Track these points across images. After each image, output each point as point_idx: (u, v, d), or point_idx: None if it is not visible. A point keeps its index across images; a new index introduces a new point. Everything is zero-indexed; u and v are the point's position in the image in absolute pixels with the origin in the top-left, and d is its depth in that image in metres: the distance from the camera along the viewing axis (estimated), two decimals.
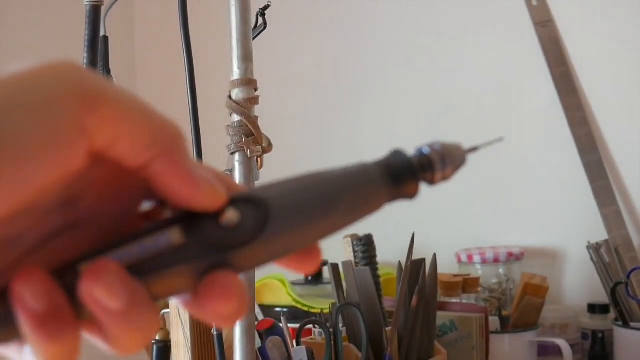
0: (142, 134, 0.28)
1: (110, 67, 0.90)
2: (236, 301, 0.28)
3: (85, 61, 0.77)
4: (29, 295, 0.26)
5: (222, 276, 0.28)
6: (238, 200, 0.30)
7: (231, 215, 0.29)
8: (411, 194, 0.32)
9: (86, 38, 0.77)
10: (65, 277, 0.27)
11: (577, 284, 1.44)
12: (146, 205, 0.32)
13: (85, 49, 0.77)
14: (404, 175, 0.32)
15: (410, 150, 0.33)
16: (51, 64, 0.27)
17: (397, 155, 0.33)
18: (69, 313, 0.27)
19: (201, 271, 0.28)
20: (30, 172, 0.25)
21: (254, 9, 0.84)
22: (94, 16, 0.78)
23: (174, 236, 0.28)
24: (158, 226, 0.29)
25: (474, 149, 0.35)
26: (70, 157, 0.26)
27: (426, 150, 0.33)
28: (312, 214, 0.30)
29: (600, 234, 1.37)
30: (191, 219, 0.29)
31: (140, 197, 0.31)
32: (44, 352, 0.26)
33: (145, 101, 0.28)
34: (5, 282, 0.27)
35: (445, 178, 0.33)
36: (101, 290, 0.26)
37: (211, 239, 0.29)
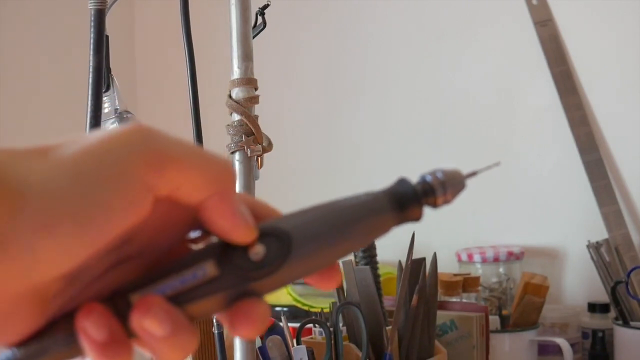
0: (200, 179, 0.33)
1: (111, 66, 0.90)
2: (259, 326, 0.34)
3: (90, 65, 0.77)
4: (91, 328, 0.31)
5: (248, 305, 0.34)
6: (264, 234, 0.34)
7: (258, 249, 0.34)
8: (416, 218, 0.37)
9: (91, 42, 0.77)
10: (119, 304, 0.32)
11: (578, 283, 1.44)
12: (194, 234, 0.37)
13: (91, 53, 0.77)
14: (409, 202, 0.37)
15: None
16: (120, 131, 0.31)
17: (402, 183, 0.37)
18: (123, 337, 0.32)
19: (232, 298, 0.34)
20: (105, 227, 0.30)
21: (254, 8, 0.84)
22: (99, 20, 0.78)
23: (209, 269, 0.33)
24: (196, 258, 0.34)
25: (472, 174, 0.39)
26: (138, 211, 0.31)
27: (428, 178, 0.37)
28: (329, 242, 0.35)
29: (600, 233, 1.37)
30: (224, 251, 0.34)
31: (188, 228, 0.36)
32: None
33: (201, 149, 0.33)
34: (71, 307, 0.32)
35: (446, 202, 0.37)
36: (149, 322, 0.32)
37: (241, 271, 0.34)
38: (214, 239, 0.36)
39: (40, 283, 0.30)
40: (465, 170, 0.39)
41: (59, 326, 0.32)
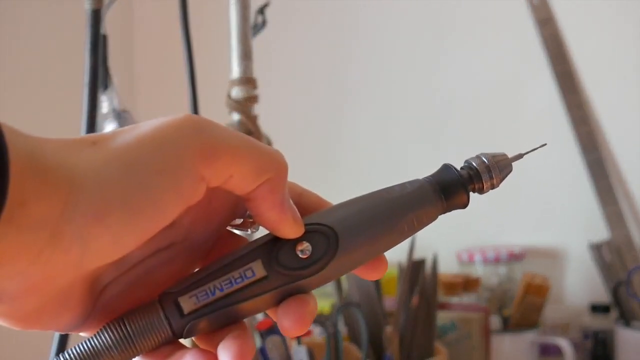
0: (251, 169, 0.32)
1: (110, 65, 0.90)
2: (308, 322, 0.34)
3: (86, 65, 0.77)
4: None
5: (297, 302, 0.34)
6: (311, 229, 0.34)
7: (305, 246, 0.34)
8: (463, 205, 0.37)
9: (87, 42, 0.77)
10: (167, 307, 0.33)
11: (579, 283, 1.44)
12: (237, 221, 0.37)
13: (87, 53, 0.77)
14: (455, 189, 0.36)
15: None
16: (173, 122, 0.31)
17: (446, 170, 0.37)
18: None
19: (280, 296, 0.34)
20: (156, 217, 0.30)
21: (254, 8, 0.84)
22: (95, 20, 0.77)
23: (257, 270, 0.33)
24: (244, 258, 0.34)
25: (519, 157, 0.38)
26: (190, 200, 0.31)
27: (474, 163, 0.36)
28: (375, 236, 0.35)
29: (601, 233, 1.37)
30: (271, 250, 0.34)
31: (232, 215, 0.36)
32: None
33: (253, 140, 0.33)
34: (114, 294, 0.34)
35: (493, 186, 0.37)
36: None
37: (288, 270, 0.34)
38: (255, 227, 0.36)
39: (91, 271, 0.31)
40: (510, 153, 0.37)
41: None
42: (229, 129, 0.33)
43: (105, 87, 0.88)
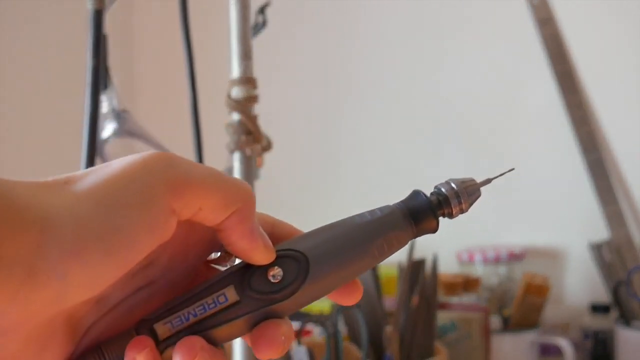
0: (220, 201, 0.34)
1: (110, 65, 0.90)
2: (282, 347, 0.35)
3: (88, 65, 0.77)
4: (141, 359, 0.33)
5: (270, 327, 0.35)
6: (282, 255, 0.35)
7: (276, 271, 0.35)
8: (432, 230, 0.37)
9: (89, 42, 0.77)
10: (143, 333, 0.34)
11: (579, 283, 1.44)
12: (214, 255, 0.38)
13: (89, 53, 0.77)
14: (425, 214, 0.37)
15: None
16: (141, 159, 0.32)
17: (416, 196, 0.37)
18: None
19: (254, 321, 0.35)
20: (132, 251, 0.31)
21: (254, 8, 0.84)
22: (97, 21, 0.77)
23: (230, 296, 0.34)
24: (217, 284, 0.35)
25: (487, 182, 0.39)
26: (163, 235, 0.32)
27: (442, 189, 0.37)
28: (346, 261, 0.36)
29: (601, 233, 1.37)
30: (243, 275, 0.35)
31: (208, 249, 0.38)
32: None
33: (220, 172, 0.35)
34: (98, 331, 0.34)
35: (462, 211, 0.37)
36: None
37: (260, 295, 0.34)
38: (233, 261, 0.38)
39: (71, 307, 0.32)
40: (478, 178, 0.39)
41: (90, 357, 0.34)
42: (196, 164, 0.34)
43: (105, 87, 0.88)
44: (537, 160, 1.47)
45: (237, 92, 0.79)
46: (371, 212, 0.37)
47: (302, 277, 0.35)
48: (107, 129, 0.91)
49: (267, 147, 0.80)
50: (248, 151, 0.78)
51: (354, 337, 1.05)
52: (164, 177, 0.32)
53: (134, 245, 0.31)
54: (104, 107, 0.89)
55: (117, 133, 0.91)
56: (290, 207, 1.74)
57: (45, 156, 1.49)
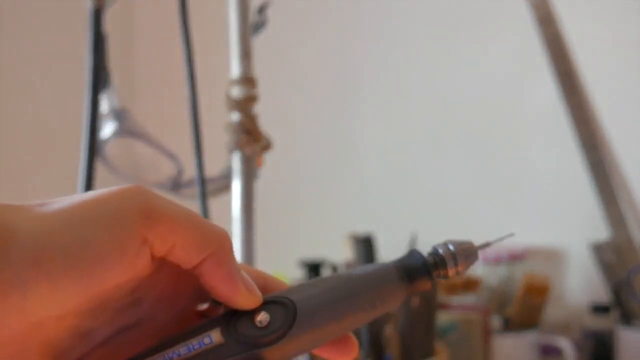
0: (193, 241, 0.33)
1: (110, 64, 0.90)
2: None
3: (87, 65, 0.77)
4: None
5: None
6: (270, 301, 0.35)
7: (263, 317, 0.35)
8: (427, 289, 0.38)
9: (89, 41, 0.77)
10: None
11: (579, 283, 1.44)
12: (203, 306, 0.38)
13: (88, 53, 0.77)
14: (419, 274, 0.37)
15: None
16: (119, 188, 0.33)
17: (413, 255, 0.38)
18: None
19: None
20: (99, 272, 0.31)
21: (254, 7, 0.84)
22: (96, 20, 0.77)
23: (215, 338, 0.34)
24: (203, 326, 0.35)
25: (485, 245, 0.39)
26: (135, 263, 0.32)
27: (440, 250, 0.38)
28: (335, 312, 0.35)
29: (601, 233, 1.37)
30: (230, 319, 0.35)
31: (196, 299, 0.38)
32: None
33: (196, 213, 0.34)
34: None
35: (458, 273, 0.38)
36: None
37: (245, 338, 0.34)
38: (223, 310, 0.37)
39: (50, 333, 0.32)
40: (477, 240, 0.38)
41: None
42: (174, 202, 0.34)
43: (105, 86, 0.88)
44: (538, 160, 1.47)
45: (236, 92, 0.79)
46: (366, 266, 0.37)
47: (289, 324, 0.34)
48: (107, 129, 0.91)
49: (267, 147, 0.80)
50: (248, 151, 0.78)
51: None
52: (137, 205, 0.32)
53: (103, 263, 0.31)
54: (104, 106, 0.89)
55: (117, 133, 0.91)
56: (290, 207, 1.74)
57: (45, 156, 1.49)
